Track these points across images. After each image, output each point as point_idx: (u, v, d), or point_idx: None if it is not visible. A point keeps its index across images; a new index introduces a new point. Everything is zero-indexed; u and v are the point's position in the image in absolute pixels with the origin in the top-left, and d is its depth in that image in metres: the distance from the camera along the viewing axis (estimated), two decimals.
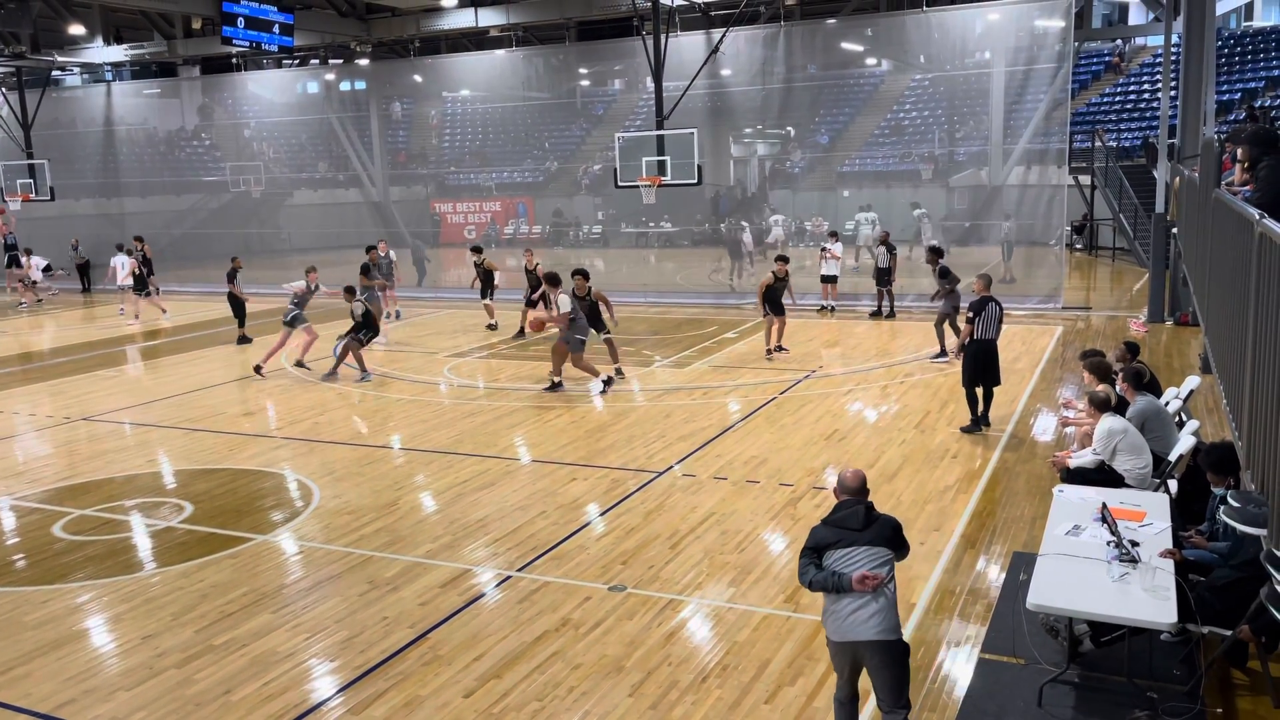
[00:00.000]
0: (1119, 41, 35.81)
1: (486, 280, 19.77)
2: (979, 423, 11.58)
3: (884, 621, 4.93)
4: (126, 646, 7.01)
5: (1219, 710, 5.82)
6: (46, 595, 7.92)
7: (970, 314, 11.44)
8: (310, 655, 6.77)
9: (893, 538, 5.12)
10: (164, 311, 23.12)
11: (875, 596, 4.94)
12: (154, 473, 11.25)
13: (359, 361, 15.52)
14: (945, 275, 15.11)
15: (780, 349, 16.24)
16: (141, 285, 22.96)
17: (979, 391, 11.58)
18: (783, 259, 16.46)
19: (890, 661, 4.97)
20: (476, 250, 20.24)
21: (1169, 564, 5.80)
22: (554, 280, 14.54)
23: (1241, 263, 4.76)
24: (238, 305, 19.03)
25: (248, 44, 21.97)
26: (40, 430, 13.39)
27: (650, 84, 22.24)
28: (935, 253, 15.86)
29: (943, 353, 15.42)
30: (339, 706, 6.13)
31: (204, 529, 9.27)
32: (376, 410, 13.82)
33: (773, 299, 15.96)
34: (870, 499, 5.31)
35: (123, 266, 23.11)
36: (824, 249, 20.73)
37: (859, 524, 5.09)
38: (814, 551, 5.13)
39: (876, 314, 20.06)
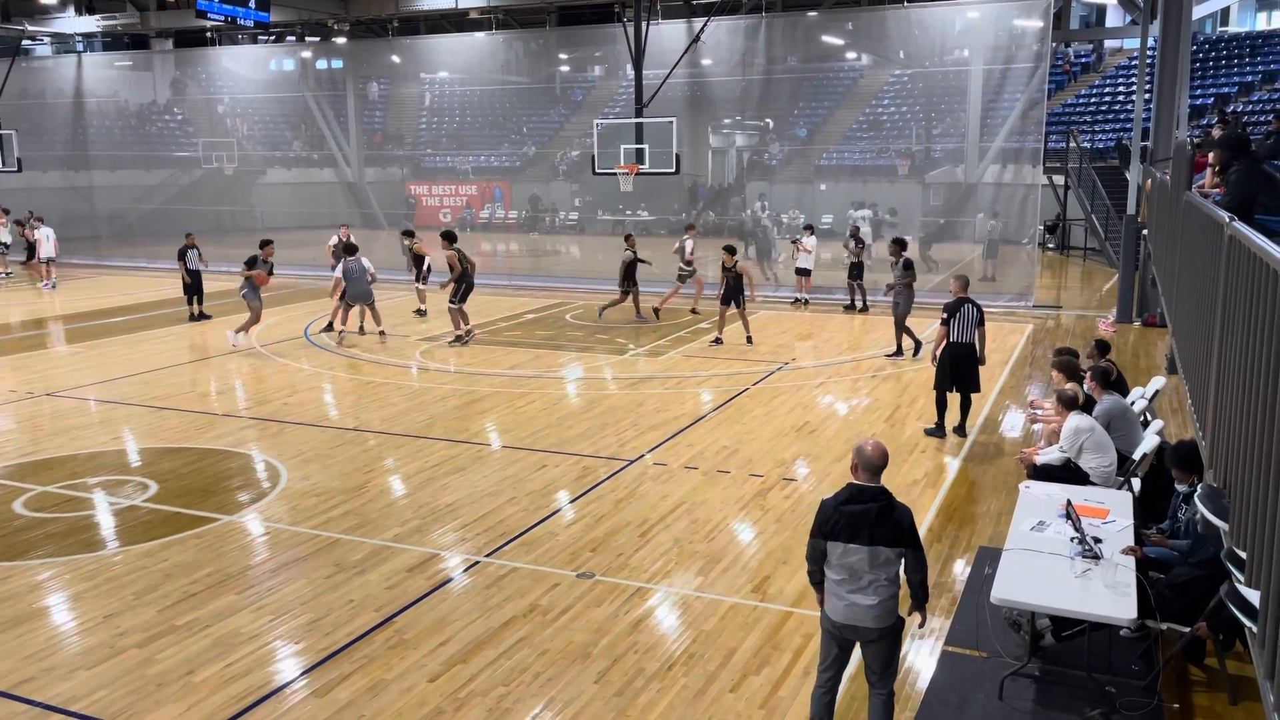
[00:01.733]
0: (1069, 48, 35.97)
1: (418, 264, 19.56)
2: (943, 428, 11.24)
3: (884, 610, 5.01)
4: (87, 625, 6.94)
5: (1175, 705, 5.91)
6: (6, 572, 7.81)
7: (944, 315, 11.06)
8: (274, 637, 6.73)
9: (904, 536, 5.01)
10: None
11: (879, 589, 4.96)
12: (118, 450, 11.11)
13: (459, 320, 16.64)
14: (909, 268, 15.04)
15: (748, 340, 16.31)
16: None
17: (953, 398, 11.19)
18: (729, 249, 16.33)
19: (887, 643, 5.09)
20: (408, 234, 20.27)
21: (1130, 561, 5.88)
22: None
23: (1210, 265, 4.82)
24: (191, 283, 19.13)
25: (222, 18, 21.71)
26: (2, 405, 13.18)
27: (630, 71, 22.19)
28: (899, 244, 15.61)
29: (898, 351, 15.39)
30: (303, 689, 6.09)
31: (168, 508, 9.17)
32: (347, 393, 13.73)
33: (729, 289, 16.10)
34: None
35: (48, 238, 22.80)
36: (797, 241, 20.74)
37: (870, 522, 4.95)
38: (820, 537, 5.05)
39: (850, 308, 20.15)
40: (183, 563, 7.95)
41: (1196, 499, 3.98)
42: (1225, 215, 4.19)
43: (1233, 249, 3.96)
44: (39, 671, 6.29)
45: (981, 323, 11.11)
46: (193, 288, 19.21)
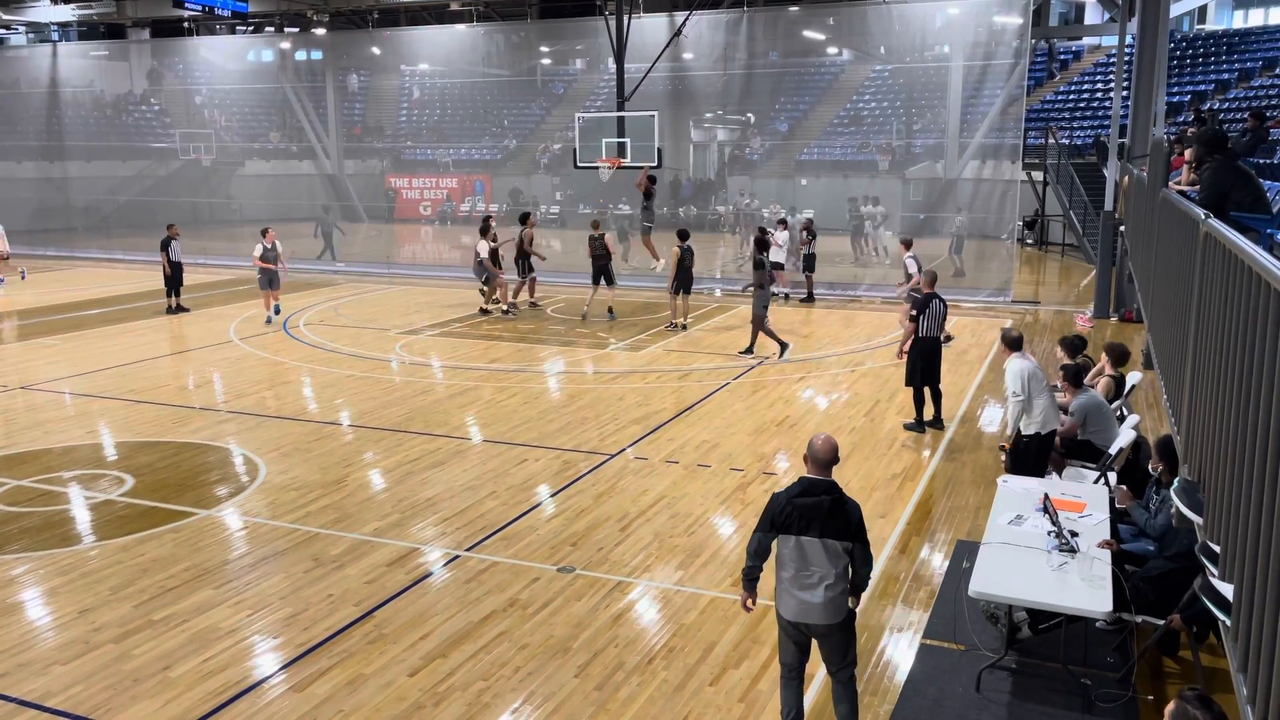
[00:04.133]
0: (1042, 43, 36.16)
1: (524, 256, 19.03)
2: (922, 423, 11.34)
3: (835, 607, 5.05)
4: (63, 620, 6.88)
5: (1150, 698, 5.97)
6: None
7: (914, 312, 11.28)
8: (252, 632, 6.69)
9: (854, 529, 5.09)
10: None
11: (828, 585, 4.99)
12: (94, 444, 11.01)
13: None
14: (760, 266, 14.82)
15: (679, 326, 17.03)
16: None
17: (927, 392, 11.42)
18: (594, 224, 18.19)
19: (839, 636, 5.15)
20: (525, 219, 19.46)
21: (1106, 554, 5.93)
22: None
23: (1185, 261, 4.86)
24: (172, 275, 19.01)
25: (200, 8, 21.52)
26: None
27: (612, 65, 22.14)
28: (759, 239, 15.81)
29: (749, 349, 15.21)
30: (281, 684, 6.06)
31: (145, 502, 9.10)
32: (327, 386, 13.65)
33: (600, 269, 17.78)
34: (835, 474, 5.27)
35: None
36: (768, 233, 20.72)
37: (823, 515, 5.02)
38: (769, 530, 5.11)
39: (808, 300, 20.27)
40: (160, 557, 7.89)
41: (1172, 492, 4.02)
42: (1201, 212, 4.23)
43: (1208, 245, 3.99)
44: (13, 667, 6.24)
45: (945, 318, 11.54)
46: (173, 280, 19.06)
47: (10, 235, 29.88)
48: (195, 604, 7.08)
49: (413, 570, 7.66)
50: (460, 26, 29.20)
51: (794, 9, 26.08)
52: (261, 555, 7.97)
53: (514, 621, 6.80)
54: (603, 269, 17.86)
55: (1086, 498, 6.95)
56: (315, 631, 6.68)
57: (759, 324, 14.83)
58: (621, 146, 20.22)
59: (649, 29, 23.39)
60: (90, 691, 5.95)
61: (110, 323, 18.47)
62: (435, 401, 12.74)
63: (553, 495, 9.36)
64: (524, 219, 19.15)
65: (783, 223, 21.23)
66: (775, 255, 20.55)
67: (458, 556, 7.93)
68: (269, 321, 17.91)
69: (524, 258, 18.95)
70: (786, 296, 20.79)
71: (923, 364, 11.23)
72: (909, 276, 15.93)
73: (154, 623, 6.80)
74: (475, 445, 10.95)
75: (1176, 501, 3.68)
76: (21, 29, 33.95)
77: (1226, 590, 2.69)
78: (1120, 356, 9.67)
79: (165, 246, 18.87)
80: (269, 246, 17.67)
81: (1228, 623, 2.73)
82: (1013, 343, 8.77)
